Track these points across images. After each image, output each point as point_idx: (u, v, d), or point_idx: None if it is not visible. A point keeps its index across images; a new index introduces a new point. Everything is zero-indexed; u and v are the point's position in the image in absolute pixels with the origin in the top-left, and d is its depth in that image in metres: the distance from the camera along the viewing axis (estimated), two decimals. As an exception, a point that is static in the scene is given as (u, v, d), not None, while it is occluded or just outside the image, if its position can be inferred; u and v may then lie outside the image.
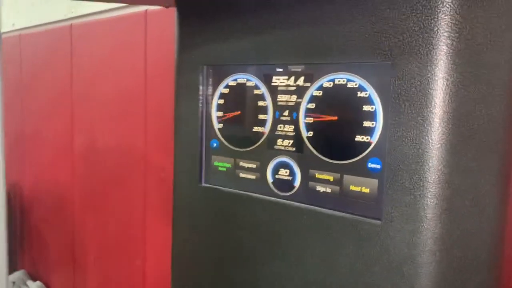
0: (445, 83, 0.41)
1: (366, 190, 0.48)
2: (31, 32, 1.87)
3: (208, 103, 0.62)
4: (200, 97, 0.61)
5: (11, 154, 1.64)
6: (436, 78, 0.42)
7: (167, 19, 1.18)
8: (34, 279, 1.93)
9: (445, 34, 0.41)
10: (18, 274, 1.94)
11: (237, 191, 0.59)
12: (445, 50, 0.41)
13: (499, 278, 0.47)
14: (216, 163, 0.62)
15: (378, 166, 0.47)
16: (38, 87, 1.85)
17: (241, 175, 0.59)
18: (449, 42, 0.41)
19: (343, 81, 0.49)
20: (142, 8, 1.30)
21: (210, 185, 0.62)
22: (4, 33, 2.01)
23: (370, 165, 0.48)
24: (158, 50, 1.27)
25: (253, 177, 0.58)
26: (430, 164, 0.42)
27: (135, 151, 1.37)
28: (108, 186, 1.51)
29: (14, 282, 1.88)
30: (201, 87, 0.61)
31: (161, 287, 1.30)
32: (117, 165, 1.46)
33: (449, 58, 0.41)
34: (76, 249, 1.69)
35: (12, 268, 1.65)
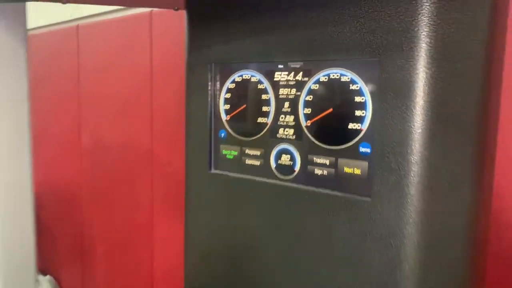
0: (425, 76, 0.46)
1: (358, 172, 0.53)
2: (38, 33, 1.89)
3: (216, 98, 0.67)
4: (209, 92, 0.67)
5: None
6: (417, 72, 0.46)
7: (172, 20, 1.22)
8: (44, 273, 1.95)
9: (424, 33, 0.46)
10: (29, 268, 1.97)
11: (244, 176, 0.64)
12: (424, 47, 0.46)
13: (474, 249, 0.53)
14: (224, 152, 0.67)
15: (368, 150, 0.52)
16: (45, 87, 1.86)
17: (247, 161, 0.64)
18: (428, 40, 0.46)
19: (337, 75, 0.54)
20: (147, 8, 1.33)
21: (219, 172, 0.67)
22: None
23: (361, 149, 0.53)
24: (164, 49, 1.30)
25: (257, 163, 0.63)
26: (412, 147, 0.47)
27: (141, 147, 1.39)
28: (115, 182, 1.52)
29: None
30: (209, 83, 0.66)
31: (169, 279, 1.33)
32: (124, 161, 1.47)
33: (428, 54, 0.46)
34: (85, 243, 1.71)
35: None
